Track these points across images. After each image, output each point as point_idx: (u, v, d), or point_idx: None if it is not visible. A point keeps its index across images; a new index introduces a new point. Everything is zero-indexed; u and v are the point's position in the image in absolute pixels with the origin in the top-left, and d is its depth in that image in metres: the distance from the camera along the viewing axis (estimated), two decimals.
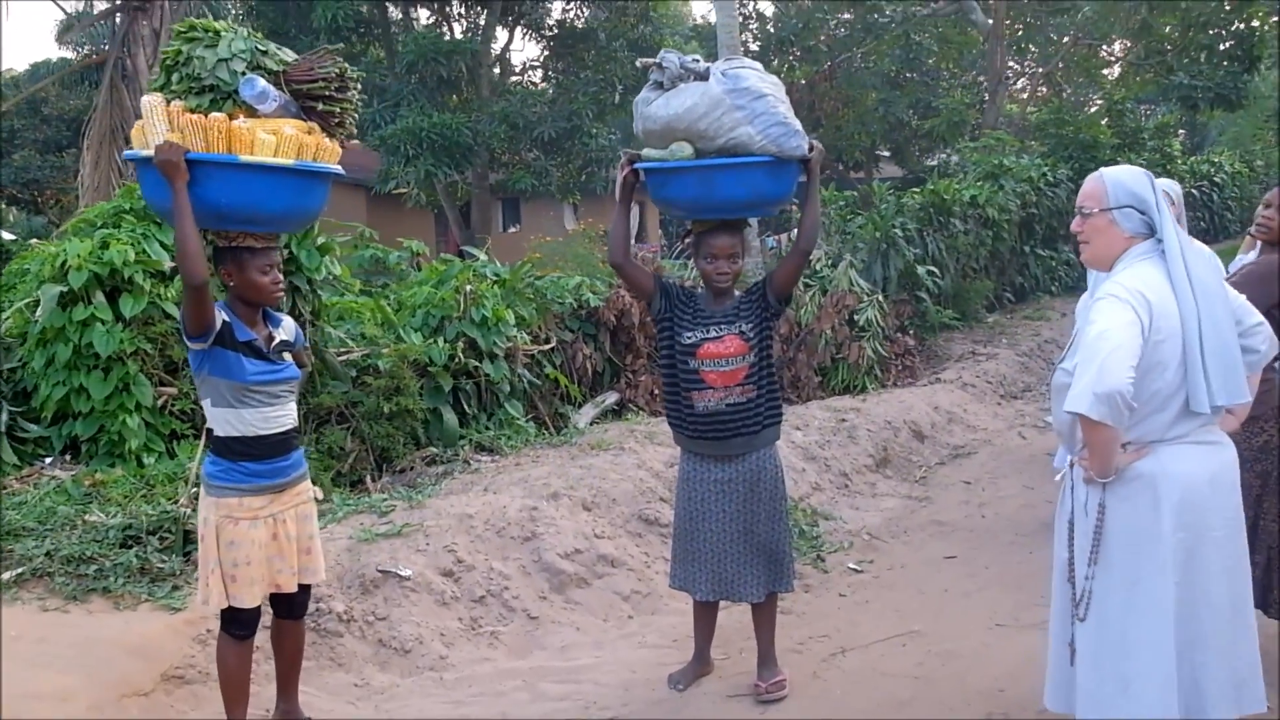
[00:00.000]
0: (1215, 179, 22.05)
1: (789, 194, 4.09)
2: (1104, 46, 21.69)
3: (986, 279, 13.29)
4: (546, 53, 21.10)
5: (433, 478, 6.01)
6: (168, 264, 5.44)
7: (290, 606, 3.66)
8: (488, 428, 6.73)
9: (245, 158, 3.26)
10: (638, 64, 4.49)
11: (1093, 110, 21.00)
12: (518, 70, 21.65)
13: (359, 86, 3.77)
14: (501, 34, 21.10)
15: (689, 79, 3.91)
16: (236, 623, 3.49)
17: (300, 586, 3.61)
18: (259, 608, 3.51)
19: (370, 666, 4.31)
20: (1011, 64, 21.86)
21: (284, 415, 3.51)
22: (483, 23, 19.73)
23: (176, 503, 4.67)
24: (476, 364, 6.69)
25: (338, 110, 3.65)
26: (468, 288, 6.68)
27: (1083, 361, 2.88)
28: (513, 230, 26.23)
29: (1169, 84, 17.69)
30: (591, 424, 7.57)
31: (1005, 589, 5.18)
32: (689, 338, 3.95)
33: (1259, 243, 4.36)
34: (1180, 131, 26.99)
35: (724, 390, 3.92)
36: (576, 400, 7.80)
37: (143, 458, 5.27)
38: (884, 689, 4.15)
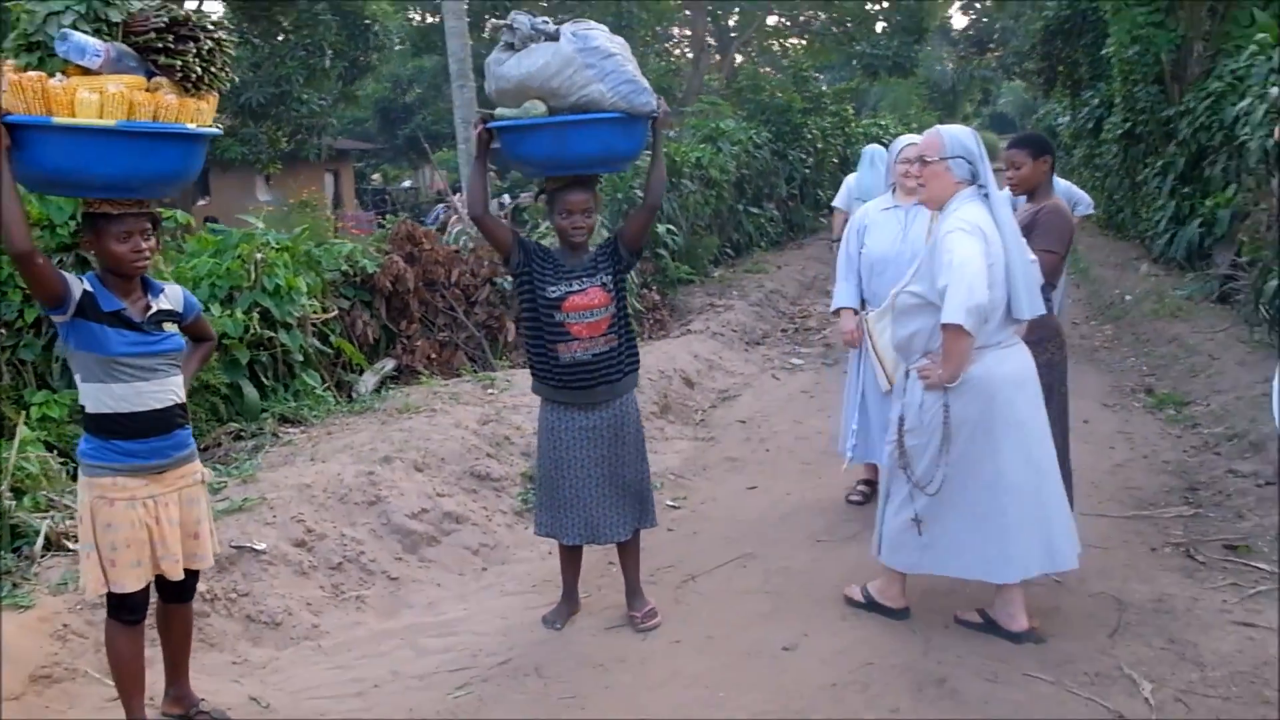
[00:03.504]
0: (883, 140, 24.34)
1: (639, 150, 4.26)
2: (785, 18, 23.25)
3: (711, 236, 14.11)
4: (237, 14, 19.88)
5: (245, 453, 5.79)
6: None
7: (180, 591, 3.51)
8: (287, 399, 6.53)
9: (58, 120, 3.02)
10: (489, 25, 4.54)
11: (764, 75, 22.45)
12: None
13: (220, 35, 3.38)
14: None
15: (540, 39, 4.04)
16: (124, 608, 3.32)
17: (187, 572, 3.46)
18: (147, 591, 3.36)
19: (243, 643, 4.20)
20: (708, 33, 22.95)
21: (161, 391, 3.32)
22: None
23: None
24: (271, 335, 6.46)
25: (178, 64, 3.28)
26: (258, 256, 6.42)
27: (953, 284, 3.57)
28: (202, 203, 24.73)
29: (852, 53, 19.37)
30: (375, 391, 7.50)
31: (810, 511, 5.72)
32: (553, 292, 4.06)
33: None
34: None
35: (589, 341, 4.07)
36: (360, 368, 7.69)
37: None
38: (744, 605, 4.54)
